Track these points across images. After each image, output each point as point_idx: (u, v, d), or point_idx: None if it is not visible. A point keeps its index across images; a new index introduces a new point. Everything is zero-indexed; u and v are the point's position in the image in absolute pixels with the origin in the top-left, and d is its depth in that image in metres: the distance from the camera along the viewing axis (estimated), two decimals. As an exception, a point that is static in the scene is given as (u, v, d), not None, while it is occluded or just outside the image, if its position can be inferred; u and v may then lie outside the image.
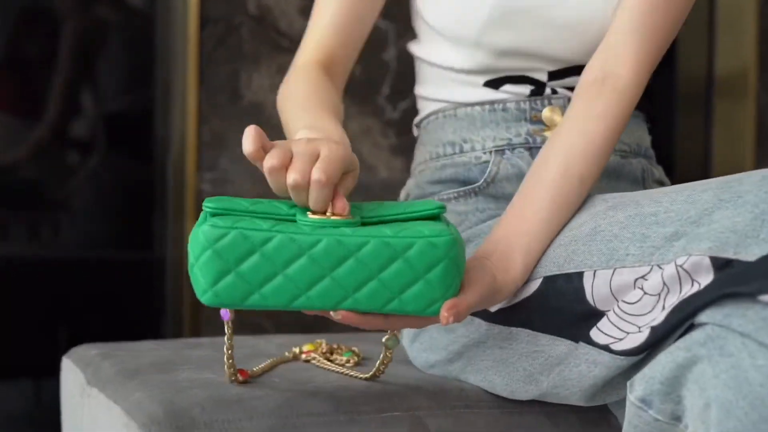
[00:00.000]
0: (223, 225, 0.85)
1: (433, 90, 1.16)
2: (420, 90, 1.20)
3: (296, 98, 1.08)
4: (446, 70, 1.14)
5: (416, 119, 1.21)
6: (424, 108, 1.19)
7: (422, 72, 1.19)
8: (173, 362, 1.15)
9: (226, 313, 0.96)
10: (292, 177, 0.84)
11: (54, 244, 2.13)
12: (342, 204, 0.86)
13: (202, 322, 1.91)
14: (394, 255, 0.85)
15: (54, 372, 1.33)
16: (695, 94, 2.25)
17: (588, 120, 0.99)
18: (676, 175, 2.26)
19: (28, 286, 2.05)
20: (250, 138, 0.86)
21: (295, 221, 0.87)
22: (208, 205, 0.88)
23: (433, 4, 1.12)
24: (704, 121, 2.23)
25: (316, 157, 0.85)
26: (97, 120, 2.12)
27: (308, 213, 0.87)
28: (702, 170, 2.25)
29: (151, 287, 2.05)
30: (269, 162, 0.85)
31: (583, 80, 1.03)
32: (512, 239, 0.95)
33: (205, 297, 0.87)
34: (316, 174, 0.84)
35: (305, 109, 1.04)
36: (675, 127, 2.26)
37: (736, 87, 2.22)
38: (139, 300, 2.08)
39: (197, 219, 0.91)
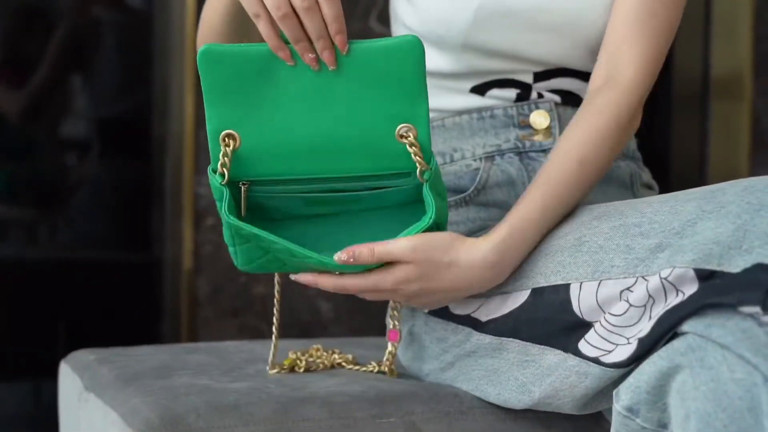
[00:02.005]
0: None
1: None
2: None
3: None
4: (431, 76, 1.14)
5: None
6: None
7: None
8: (171, 367, 1.16)
9: None
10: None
11: (52, 245, 2.13)
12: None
13: (199, 323, 1.92)
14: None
15: (52, 374, 1.34)
16: (691, 96, 2.25)
17: (589, 113, 1.01)
18: (672, 177, 2.26)
19: (26, 288, 2.06)
20: None
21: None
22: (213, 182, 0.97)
23: (416, 8, 1.12)
24: (700, 123, 2.24)
25: None
26: (94, 121, 2.12)
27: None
28: (698, 172, 2.25)
29: (149, 289, 2.05)
30: (279, 11, 0.87)
31: (590, 89, 1.05)
32: (507, 214, 0.98)
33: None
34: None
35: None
36: (671, 129, 2.27)
37: (731, 89, 2.23)
38: (137, 301, 2.09)
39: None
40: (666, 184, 2.30)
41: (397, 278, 0.93)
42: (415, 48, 0.90)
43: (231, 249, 1.00)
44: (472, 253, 0.94)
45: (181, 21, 1.90)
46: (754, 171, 2.22)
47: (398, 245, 0.92)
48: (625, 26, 1.04)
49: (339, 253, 0.93)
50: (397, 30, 1.18)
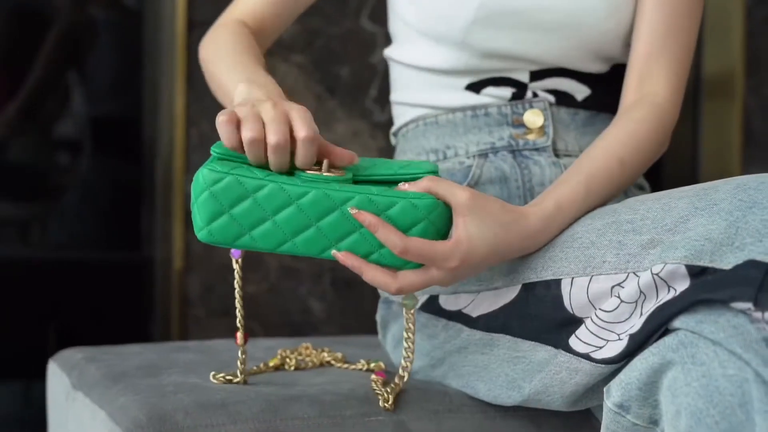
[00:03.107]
0: (221, 170, 0.91)
1: (413, 95, 1.16)
2: (398, 96, 1.19)
3: (227, 51, 1.09)
4: (427, 72, 1.14)
5: (394, 128, 1.21)
6: (403, 115, 1.19)
7: (400, 76, 1.19)
8: (159, 366, 1.16)
9: (236, 252, 1.01)
10: (274, 139, 0.87)
11: (42, 245, 2.13)
12: (344, 153, 0.91)
13: (190, 322, 1.91)
14: (376, 212, 0.90)
15: (42, 373, 1.33)
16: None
17: (629, 121, 1.04)
18: (664, 176, 2.26)
19: (17, 287, 2.05)
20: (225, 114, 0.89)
21: (292, 174, 0.92)
22: (215, 150, 0.93)
23: (416, 4, 1.12)
24: (692, 122, 2.24)
25: (288, 119, 0.88)
26: (84, 121, 2.12)
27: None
28: (690, 171, 2.25)
29: (139, 288, 2.05)
30: (248, 134, 0.88)
31: (624, 104, 1.08)
32: (548, 189, 0.98)
33: (201, 234, 0.92)
34: (303, 132, 0.88)
35: (239, 63, 1.06)
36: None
37: (723, 88, 2.23)
38: (128, 301, 2.08)
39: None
40: (658, 183, 2.30)
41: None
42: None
43: (202, 206, 0.92)
44: (521, 220, 0.94)
45: (172, 21, 1.89)
46: (746, 169, 2.22)
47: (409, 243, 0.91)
48: (651, 42, 1.07)
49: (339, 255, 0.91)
50: (395, 26, 1.18)
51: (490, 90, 1.12)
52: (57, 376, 1.24)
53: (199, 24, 1.90)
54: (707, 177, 2.22)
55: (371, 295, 1.24)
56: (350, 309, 1.93)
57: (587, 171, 0.98)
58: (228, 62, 1.07)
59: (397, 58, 1.18)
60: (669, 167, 2.27)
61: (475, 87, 1.12)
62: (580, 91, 1.13)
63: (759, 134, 2.24)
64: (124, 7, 2.14)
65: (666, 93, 1.06)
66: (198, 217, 0.92)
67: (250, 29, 1.15)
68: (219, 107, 1.89)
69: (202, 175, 0.91)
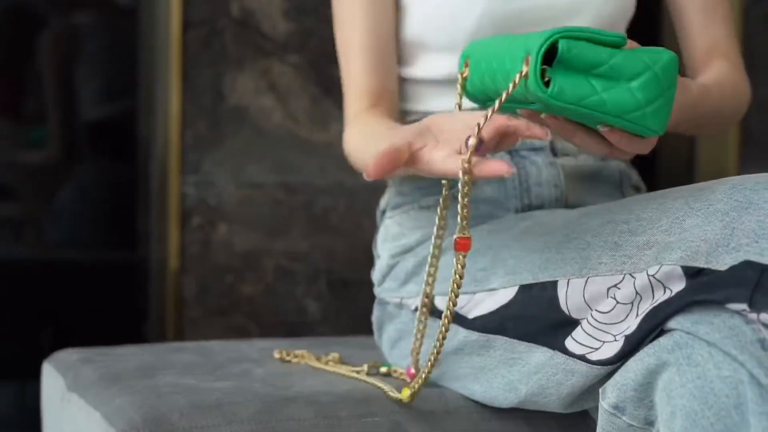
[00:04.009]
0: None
1: (411, 105, 1.16)
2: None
3: (364, 133, 1.09)
4: (427, 84, 1.14)
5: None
6: (400, 119, 1.19)
7: (398, 89, 1.19)
8: (155, 367, 1.15)
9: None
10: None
11: (38, 245, 2.12)
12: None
13: (185, 323, 1.91)
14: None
15: (38, 374, 1.33)
16: (679, 95, 2.25)
17: (725, 69, 1.11)
18: (661, 176, 2.26)
19: (12, 288, 2.05)
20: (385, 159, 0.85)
21: None
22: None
23: (411, 17, 1.12)
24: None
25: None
26: (80, 122, 2.12)
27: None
28: (686, 171, 2.25)
29: (135, 289, 2.05)
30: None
31: (699, 60, 1.14)
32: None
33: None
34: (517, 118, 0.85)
35: (378, 133, 1.05)
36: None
37: (719, 88, 2.23)
38: (123, 301, 2.08)
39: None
40: (654, 183, 2.30)
41: None
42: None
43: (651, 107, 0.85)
44: (686, 89, 0.96)
45: (167, 23, 1.89)
46: (743, 169, 2.22)
47: None
48: (705, 9, 1.14)
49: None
50: None
51: None
52: (52, 378, 1.24)
53: (194, 24, 1.89)
54: (704, 176, 2.21)
55: (367, 295, 1.24)
56: (346, 309, 1.93)
57: (700, 92, 1.00)
58: (368, 138, 1.06)
59: (398, 74, 1.17)
60: (665, 166, 2.27)
61: None
62: None
63: (756, 133, 2.24)
64: (118, 8, 2.14)
65: (735, 58, 1.13)
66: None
67: (373, 110, 1.13)
68: (215, 107, 1.90)
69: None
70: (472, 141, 0.83)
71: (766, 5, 2.26)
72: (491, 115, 0.84)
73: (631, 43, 0.87)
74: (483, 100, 0.95)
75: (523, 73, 0.84)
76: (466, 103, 0.98)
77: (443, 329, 0.93)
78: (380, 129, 1.06)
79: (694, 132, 1.04)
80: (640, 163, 1.24)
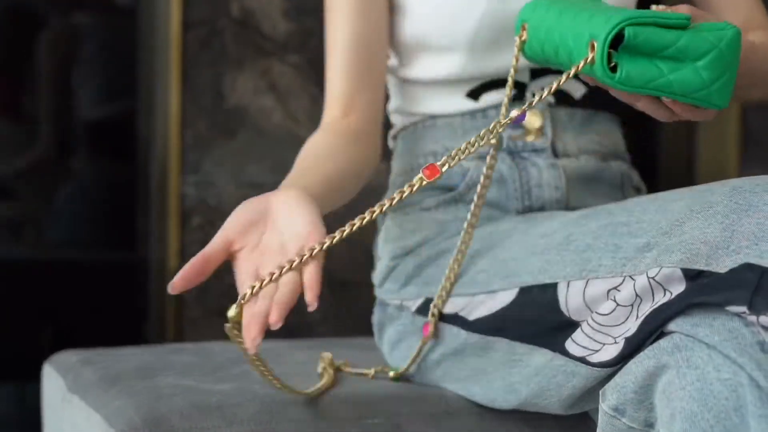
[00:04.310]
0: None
1: (411, 105, 1.16)
2: (396, 106, 1.19)
3: (302, 156, 1.08)
4: (427, 85, 1.14)
5: (392, 132, 1.21)
6: (399, 120, 1.19)
7: (398, 90, 1.19)
8: (155, 368, 1.15)
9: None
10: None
11: (37, 245, 2.12)
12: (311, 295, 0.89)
13: (185, 323, 1.91)
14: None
15: (37, 375, 1.33)
16: (679, 95, 2.25)
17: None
18: (661, 176, 2.26)
19: (11, 288, 2.05)
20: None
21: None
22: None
23: (411, 19, 1.12)
24: (688, 121, 2.23)
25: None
26: (80, 121, 2.12)
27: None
28: (687, 172, 2.25)
29: (134, 289, 2.05)
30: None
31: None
32: None
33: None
34: (273, 317, 0.87)
35: (293, 171, 1.04)
36: (660, 128, 2.27)
37: (719, 88, 2.23)
38: (123, 301, 2.08)
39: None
40: (654, 183, 2.30)
41: None
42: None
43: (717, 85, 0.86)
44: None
45: (167, 23, 1.89)
46: (743, 170, 2.22)
47: None
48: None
49: None
50: (392, 43, 1.17)
51: (490, 95, 1.12)
52: (52, 379, 1.24)
53: (194, 24, 1.89)
54: (704, 176, 2.22)
55: (367, 296, 1.24)
56: (346, 310, 1.92)
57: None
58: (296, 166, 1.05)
59: (397, 74, 1.17)
60: (666, 166, 2.27)
61: (474, 94, 1.12)
62: (577, 89, 1.12)
63: (757, 133, 2.24)
64: (118, 7, 2.14)
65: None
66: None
67: (344, 120, 1.11)
68: (215, 107, 1.90)
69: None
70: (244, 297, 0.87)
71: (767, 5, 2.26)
72: (316, 251, 0.87)
73: (695, 16, 0.87)
74: (543, 62, 0.96)
75: (589, 59, 0.85)
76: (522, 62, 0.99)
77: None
78: (297, 169, 1.04)
79: (745, 94, 1.04)
80: (640, 163, 1.24)
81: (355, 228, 0.88)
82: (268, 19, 1.92)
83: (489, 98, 1.12)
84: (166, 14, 1.89)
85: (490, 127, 0.87)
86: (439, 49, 1.11)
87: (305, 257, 0.87)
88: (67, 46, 2.11)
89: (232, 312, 0.88)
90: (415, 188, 0.87)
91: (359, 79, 1.11)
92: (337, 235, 0.88)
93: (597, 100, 1.13)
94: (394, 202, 0.87)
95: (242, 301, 0.87)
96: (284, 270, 0.87)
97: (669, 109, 0.89)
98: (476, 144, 0.87)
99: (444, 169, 0.87)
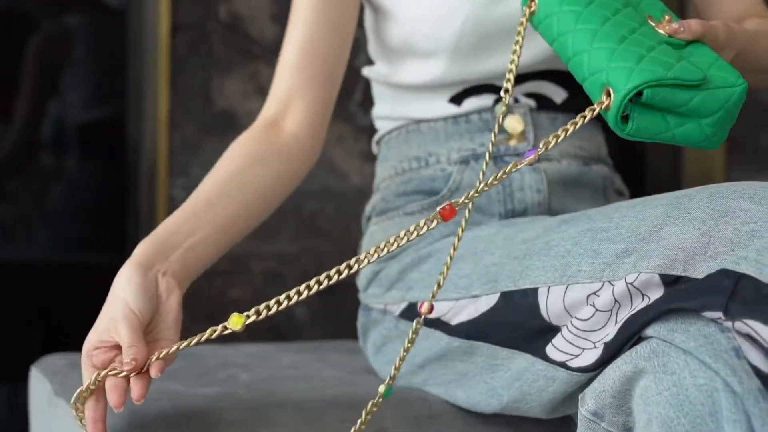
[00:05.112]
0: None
1: (395, 109, 1.17)
2: (380, 111, 1.20)
3: (212, 180, 1.05)
4: (410, 89, 1.15)
5: (376, 137, 1.22)
6: (384, 126, 1.19)
7: (383, 94, 1.19)
8: (142, 372, 1.16)
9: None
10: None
11: (27, 248, 2.12)
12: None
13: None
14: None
15: (25, 378, 1.33)
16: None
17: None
18: (647, 179, 2.27)
19: (1, 289, 2.05)
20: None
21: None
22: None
23: (398, 24, 1.12)
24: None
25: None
26: (69, 124, 2.12)
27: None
28: (673, 176, 2.26)
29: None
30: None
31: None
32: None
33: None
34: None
35: (197, 212, 1.02)
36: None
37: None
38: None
39: None
40: (641, 187, 2.31)
41: None
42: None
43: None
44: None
45: (155, 24, 1.89)
46: (729, 174, 2.23)
47: None
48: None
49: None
50: (376, 48, 1.18)
51: (472, 101, 1.12)
52: (39, 383, 1.24)
53: (182, 27, 1.90)
54: (691, 180, 2.22)
55: (354, 299, 1.25)
56: (334, 313, 1.93)
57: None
58: (200, 196, 1.04)
59: (381, 79, 1.18)
60: (652, 169, 2.28)
61: (457, 99, 1.13)
62: (558, 94, 1.13)
63: (742, 137, 2.25)
64: (107, 10, 2.14)
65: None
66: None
67: (279, 121, 1.09)
68: (203, 110, 1.90)
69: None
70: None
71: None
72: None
73: (703, 31, 0.90)
74: (547, 40, 0.95)
75: (604, 106, 0.87)
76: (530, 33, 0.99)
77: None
78: (192, 202, 1.03)
79: (753, 79, 1.06)
80: (628, 167, 1.24)
81: (330, 281, 0.87)
82: (256, 22, 1.93)
83: (471, 103, 1.12)
84: (155, 18, 1.89)
85: (507, 169, 0.87)
86: (423, 54, 1.11)
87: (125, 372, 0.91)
88: (57, 49, 2.11)
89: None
90: (431, 226, 0.86)
91: (306, 76, 1.10)
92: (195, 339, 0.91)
93: (578, 104, 1.13)
94: (390, 248, 0.87)
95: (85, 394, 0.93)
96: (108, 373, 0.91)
97: None
98: (491, 182, 0.87)
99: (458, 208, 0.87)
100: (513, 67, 0.95)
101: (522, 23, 0.95)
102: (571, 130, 0.88)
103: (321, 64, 1.11)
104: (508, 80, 0.94)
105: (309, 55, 1.10)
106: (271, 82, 1.14)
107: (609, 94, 0.86)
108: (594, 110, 0.87)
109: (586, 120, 0.87)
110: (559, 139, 0.87)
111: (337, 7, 1.11)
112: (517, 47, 0.95)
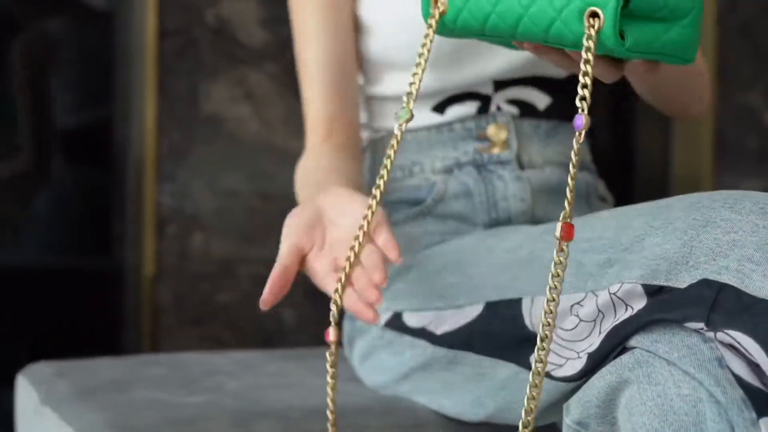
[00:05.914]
0: None
1: (378, 121, 1.17)
2: (361, 122, 1.20)
3: (305, 172, 1.11)
4: (393, 100, 1.15)
5: (362, 146, 1.22)
6: (366, 136, 1.19)
7: (364, 106, 1.19)
8: (129, 381, 1.16)
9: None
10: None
11: (13, 252, 2.12)
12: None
13: (162, 331, 1.91)
14: None
15: (12, 383, 1.33)
16: (654, 101, 2.27)
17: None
18: (636, 182, 2.28)
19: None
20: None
21: None
22: None
23: (376, 35, 1.13)
24: (664, 127, 2.25)
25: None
26: (56, 129, 2.11)
27: None
28: (662, 177, 2.27)
29: (110, 296, 2.05)
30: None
31: None
32: None
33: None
34: (377, 277, 0.90)
35: (307, 185, 1.08)
36: (635, 133, 2.28)
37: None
38: (99, 309, 2.08)
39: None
40: (630, 189, 2.32)
41: None
42: None
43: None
44: None
45: (142, 32, 1.89)
46: (718, 176, 2.23)
47: None
48: None
49: None
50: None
51: (454, 109, 1.13)
52: (26, 391, 1.24)
53: (169, 32, 1.90)
54: (679, 183, 2.23)
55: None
56: (322, 318, 1.93)
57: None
58: (306, 182, 1.10)
59: (363, 92, 1.18)
60: (641, 173, 2.29)
61: (439, 108, 1.13)
62: (541, 100, 1.13)
63: (730, 140, 2.26)
64: (94, 15, 2.14)
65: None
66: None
67: (330, 139, 1.12)
68: (191, 115, 1.90)
69: None
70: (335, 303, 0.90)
71: (740, 14, 2.28)
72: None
73: None
74: (459, 36, 0.91)
75: (597, 28, 0.81)
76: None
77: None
78: (311, 180, 1.08)
79: (662, 103, 1.05)
80: (616, 170, 1.25)
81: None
82: (244, 27, 1.93)
83: (454, 111, 1.13)
84: (142, 22, 1.89)
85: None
86: (403, 65, 1.12)
87: (371, 226, 0.90)
88: (44, 54, 2.11)
89: (334, 307, 0.91)
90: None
91: (339, 100, 1.13)
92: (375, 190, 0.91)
93: (561, 111, 1.14)
94: None
95: (338, 292, 0.91)
96: (358, 247, 0.90)
97: (571, 60, 0.86)
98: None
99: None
100: (417, 80, 0.92)
101: (429, 30, 0.91)
102: (588, 84, 0.80)
103: (345, 86, 1.14)
104: (410, 93, 0.92)
105: (333, 79, 1.13)
106: (258, 89, 1.15)
107: (595, 15, 0.81)
108: (594, 38, 0.79)
109: (591, 64, 0.80)
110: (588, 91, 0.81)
111: (340, 26, 1.13)
112: (422, 60, 0.92)
